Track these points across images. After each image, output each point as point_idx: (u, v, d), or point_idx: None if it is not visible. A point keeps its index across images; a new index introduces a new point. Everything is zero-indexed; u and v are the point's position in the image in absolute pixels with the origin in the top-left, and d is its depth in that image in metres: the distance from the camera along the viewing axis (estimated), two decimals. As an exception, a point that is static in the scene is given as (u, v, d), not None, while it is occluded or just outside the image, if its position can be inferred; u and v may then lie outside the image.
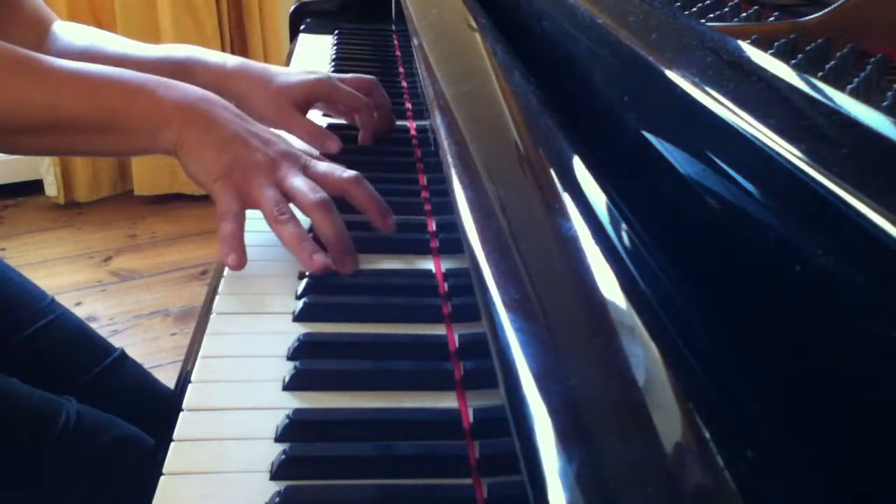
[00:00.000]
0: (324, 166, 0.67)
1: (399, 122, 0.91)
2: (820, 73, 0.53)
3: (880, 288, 0.26)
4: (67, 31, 0.85)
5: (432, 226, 0.69)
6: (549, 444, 0.26)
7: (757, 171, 0.34)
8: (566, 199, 0.42)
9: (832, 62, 0.55)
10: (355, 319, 0.58)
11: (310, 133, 0.80)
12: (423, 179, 0.79)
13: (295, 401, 0.51)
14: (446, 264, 0.64)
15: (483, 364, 0.50)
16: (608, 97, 0.53)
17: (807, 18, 0.63)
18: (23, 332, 0.82)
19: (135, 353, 0.93)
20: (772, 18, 0.68)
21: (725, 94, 0.38)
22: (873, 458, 0.27)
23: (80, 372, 0.83)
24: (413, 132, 0.90)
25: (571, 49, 0.62)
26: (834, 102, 0.36)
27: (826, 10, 0.62)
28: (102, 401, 0.73)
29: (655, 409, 0.28)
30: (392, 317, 0.58)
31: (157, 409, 0.73)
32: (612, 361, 0.30)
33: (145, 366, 0.93)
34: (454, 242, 0.62)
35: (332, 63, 1.15)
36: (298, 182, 0.64)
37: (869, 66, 0.55)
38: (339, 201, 0.64)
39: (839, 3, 0.61)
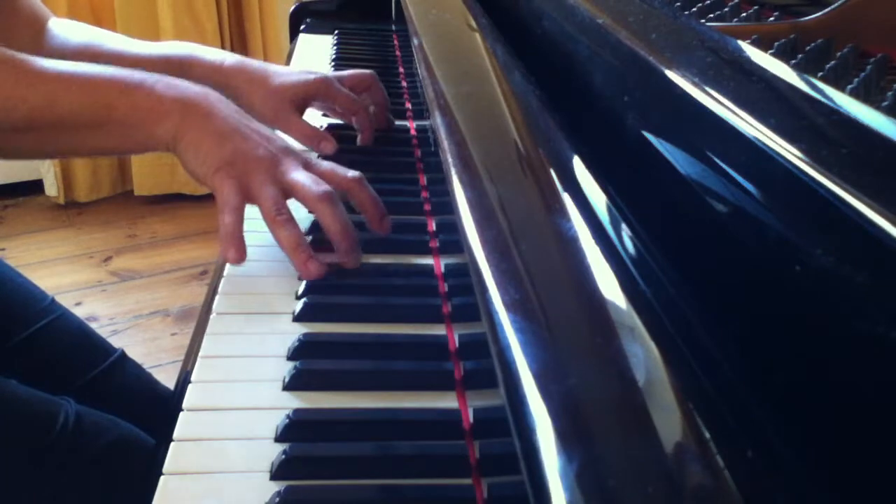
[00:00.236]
0: (326, 164, 0.67)
1: (399, 122, 0.91)
2: (820, 73, 0.53)
3: (880, 288, 0.26)
4: (64, 29, 0.85)
5: (432, 226, 0.69)
6: (549, 444, 0.26)
7: (757, 171, 0.34)
8: (566, 199, 0.42)
9: (832, 62, 0.55)
10: (355, 319, 0.58)
11: (305, 134, 0.81)
12: (423, 179, 0.79)
13: (295, 401, 0.51)
14: (446, 264, 0.64)
15: (483, 364, 0.50)
16: (608, 97, 0.53)
17: (807, 18, 0.63)
18: (23, 332, 0.82)
19: (135, 353, 0.93)
20: (772, 18, 0.68)
21: (725, 94, 0.38)
22: (873, 457, 0.27)
23: (80, 373, 0.82)
24: (413, 132, 0.90)
25: (571, 49, 0.62)
26: (834, 102, 0.36)
27: (826, 10, 0.62)
28: (102, 402, 0.73)
29: (655, 409, 0.28)
30: (392, 317, 0.58)
31: (156, 410, 0.73)
32: (612, 361, 0.30)
33: (145, 366, 0.93)
34: (454, 242, 0.62)
35: (332, 63, 1.15)
36: (301, 176, 0.63)
37: (869, 66, 0.55)
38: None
39: (839, 3, 0.61)
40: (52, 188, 2.32)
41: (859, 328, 0.27)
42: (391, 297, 0.61)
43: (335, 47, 1.22)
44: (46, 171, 2.30)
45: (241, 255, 0.61)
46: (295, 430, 0.48)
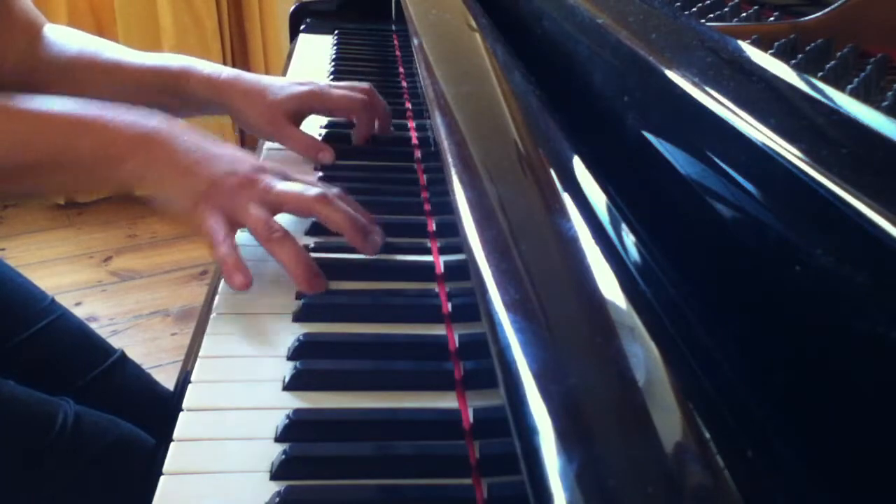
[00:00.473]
0: (304, 178, 0.65)
1: (399, 122, 0.91)
2: (820, 73, 0.53)
3: (880, 288, 0.26)
4: (60, 36, 0.84)
5: (432, 226, 0.69)
6: (549, 444, 0.26)
7: (757, 171, 0.34)
8: (566, 199, 0.42)
9: (832, 62, 0.55)
10: (355, 319, 0.58)
11: (304, 145, 0.80)
12: (423, 179, 0.79)
13: (295, 401, 0.51)
14: (446, 264, 0.64)
15: (483, 364, 0.50)
16: (608, 97, 0.53)
17: (807, 18, 0.63)
18: (23, 333, 0.82)
19: (135, 353, 0.93)
20: (772, 18, 0.68)
21: (725, 94, 0.38)
22: (873, 457, 0.27)
23: (79, 373, 0.82)
24: (413, 132, 0.90)
25: (571, 49, 0.62)
26: (834, 102, 0.36)
27: (826, 10, 0.62)
28: (102, 402, 0.73)
29: (655, 409, 0.28)
30: (392, 317, 0.58)
31: (156, 410, 0.73)
32: (612, 361, 0.30)
33: (145, 366, 0.93)
34: (454, 242, 0.62)
35: (332, 63, 1.15)
36: (287, 186, 0.62)
37: (869, 66, 0.55)
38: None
39: (839, 3, 0.61)
40: (52, 188, 2.31)
41: (859, 328, 0.27)
42: (391, 297, 0.61)
43: (335, 47, 1.22)
44: (46, 171, 2.30)
45: (247, 280, 0.59)
46: (295, 430, 0.48)
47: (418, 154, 0.84)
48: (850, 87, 0.52)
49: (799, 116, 0.37)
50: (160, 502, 0.43)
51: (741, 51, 0.45)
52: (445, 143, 0.51)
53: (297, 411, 0.49)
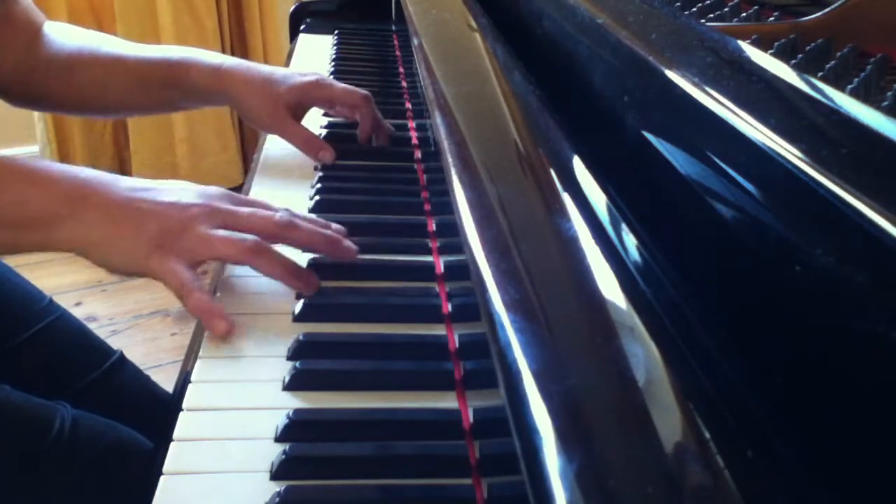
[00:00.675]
0: (258, 202, 0.61)
1: (399, 122, 0.91)
2: (820, 73, 0.53)
3: (880, 288, 0.26)
4: (59, 33, 0.84)
5: (432, 226, 0.69)
6: (549, 444, 0.26)
7: (757, 171, 0.34)
8: (566, 199, 0.42)
9: (832, 62, 0.55)
10: (355, 319, 0.58)
11: (305, 141, 0.79)
12: (423, 179, 0.79)
13: (295, 401, 0.51)
14: (446, 264, 0.64)
15: (483, 364, 0.50)
16: (608, 97, 0.53)
17: (807, 18, 0.63)
18: (21, 334, 0.81)
19: (135, 353, 0.93)
20: (772, 18, 0.68)
21: (725, 94, 0.38)
22: (873, 457, 0.27)
23: (78, 375, 0.82)
24: (413, 132, 0.90)
25: (571, 49, 0.62)
26: (834, 102, 0.36)
27: (826, 10, 0.62)
28: (101, 404, 0.73)
29: (655, 409, 0.28)
30: (392, 317, 0.58)
31: (155, 412, 0.73)
32: (612, 361, 0.30)
33: (145, 366, 0.93)
34: (454, 242, 0.62)
35: (332, 63, 1.15)
36: (248, 213, 0.59)
37: (869, 66, 0.55)
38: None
39: (839, 3, 0.61)
40: (52, 188, 2.31)
41: (859, 328, 0.27)
42: (391, 297, 0.61)
43: (335, 47, 1.22)
44: (46, 171, 2.30)
45: (230, 326, 0.56)
46: (295, 430, 0.48)
47: (418, 154, 0.84)
48: (850, 87, 0.52)
49: (799, 116, 0.37)
50: (160, 502, 0.43)
51: (741, 51, 0.45)
52: (445, 143, 0.51)
53: (297, 411, 0.49)
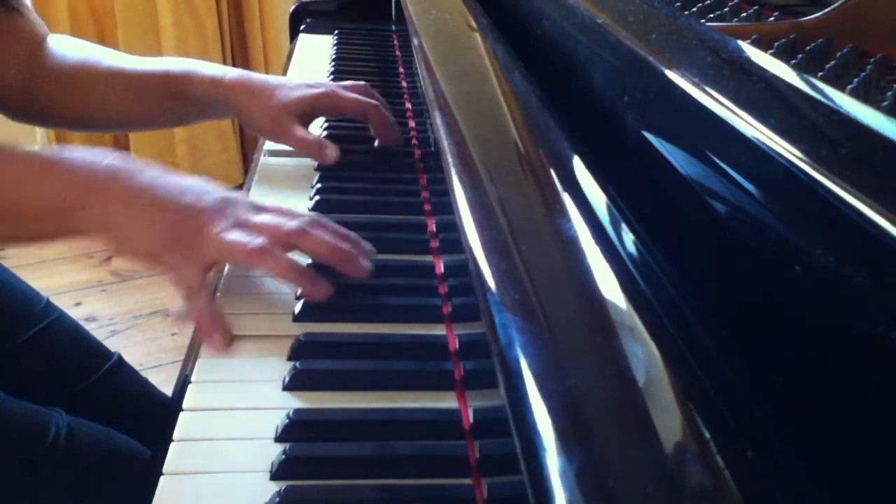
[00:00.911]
0: (267, 217, 0.59)
1: (399, 122, 0.91)
2: (820, 73, 0.53)
3: (880, 288, 0.26)
4: (62, 45, 0.84)
5: (432, 226, 0.69)
6: (549, 444, 0.26)
7: (757, 171, 0.34)
8: (566, 199, 0.42)
9: (832, 62, 0.55)
10: (355, 319, 0.58)
11: (306, 144, 0.78)
12: (423, 179, 0.79)
13: (295, 401, 0.51)
14: (446, 264, 0.64)
15: (483, 364, 0.50)
16: (608, 97, 0.53)
17: (807, 18, 0.63)
18: (18, 336, 0.81)
19: (135, 353, 0.93)
20: (772, 18, 0.68)
21: (725, 94, 0.38)
22: (873, 457, 0.27)
23: (76, 378, 0.82)
24: (413, 132, 0.90)
25: (571, 49, 0.62)
26: (834, 102, 0.36)
27: (826, 10, 0.62)
28: (99, 407, 0.72)
29: (655, 409, 0.28)
30: (392, 317, 0.58)
31: (153, 414, 0.72)
32: (612, 361, 0.30)
33: (145, 366, 0.93)
34: (454, 242, 0.62)
35: (332, 63, 1.15)
36: (262, 218, 0.58)
37: (869, 66, 0.55)
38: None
39: (839, 3, 0.61)
40: (52, 188, 2.31)
41: (859, 328, 0.27)
42: (391, 297, 0.61)
43: (335, 47, 1.22)
44: (46, 171, 2.30)
45: (228, 338, 0.55)
46: (295, 430, 0.48)
47: (418, 154, 0.84)
48: (850, 87, 0.52)
49: (799, 116, 0.37)
50: (160, 503, 0.43)
51: (741, 51, 0.45)
52: (445, 143, 0.51)
53: (297, 411, 0.49)
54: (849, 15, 0.61)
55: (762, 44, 0.58)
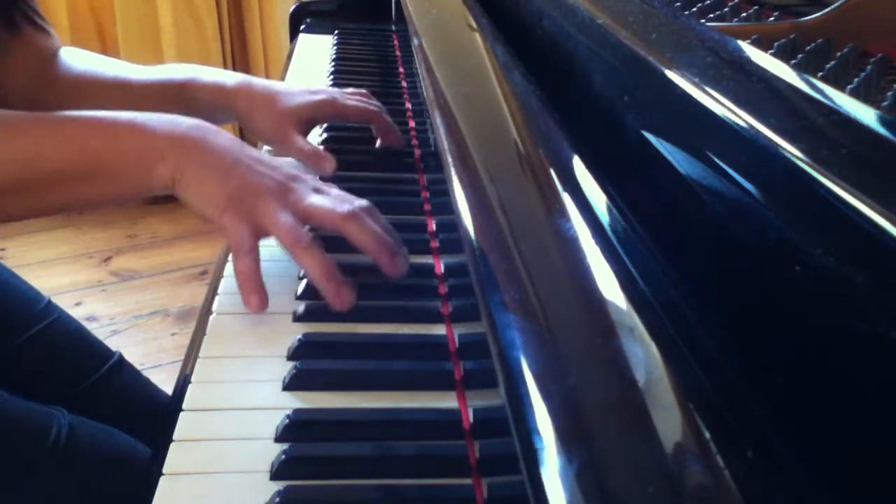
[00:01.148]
0: (335, 192, 0.63)
1: (399, 122, 0.91)
2: (820, 73, 0.53)
3: (880, 288, 0.26)
4: (71, 57, 0.85)
5: (432, 226, 0.69)
6: (549, 444, 0.26)
7: (757, 171, 0.34)
8: (566, 199, 0.42)
9: (832, 62, 0.55)
10: (355, 319, 0.58)
11: (305, 153, 0.78)
12: (423, 179, 0.79)
13: (295, 401, 0.51)
14: (446, 264, 0.64)
15: (483, 364, 0.50)
16: (608, 97, 0.53)
17: (807, 18, 0.63)
18: (19, 336, 0.81)
19: (135, 353, 0.93)
20: (772, 18, 0.68)
21: (725, 94, 0.38)
22: (873, 458, 0.27)
23: (77, 378, 0.82)
24: (413, 132, 0.90)
25: (571, 49, 0.62)
26: (834, 102, 0.36)
27: (826, 10, 0.62)
28: (99, 406, 0.73)
29: (655, 409, 0.28)
30: (392, 317, 0.58)
31: (154, 414, 0.73)
32: (612, 361, 0.30)
33: (145, 366, 0.94)
34: (454, 242, 0.62)
35: (332, 63, 1.15)
36: (317, 200, 0.60)
37: (869, 66, 0.55)
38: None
39: (839, 3, 0.61)
40: (52, 188, 2.31)
41: (859, 328, 0.27)
42: (391, 297, 0.61)
43: (335, 47, 1.22)
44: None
45: (263, 302, 0.58)
46: (295, 430, 0.48)
47: (418, 154, 0.84)
48: (850, 87, 0.52)
49: (799, 116, 0.37)
50: (160, 502, 0.43)
51: (741, 51, 0.45)
52: (445, 143, 0.51)
53: (297, 411, 0.49)
54: (849, 15, 0.61)
55: (762, 44, 0.58)
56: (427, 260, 0.65)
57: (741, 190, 0.35)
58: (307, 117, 0.80)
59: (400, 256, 0.60)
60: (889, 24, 0.62)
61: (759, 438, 0.29)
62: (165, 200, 2.37)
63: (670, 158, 0.42)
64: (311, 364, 0.53)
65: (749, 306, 0.35)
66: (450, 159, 0.49)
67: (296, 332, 0.56)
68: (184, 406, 0.50)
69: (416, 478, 0.46)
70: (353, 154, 0.82)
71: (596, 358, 0.31)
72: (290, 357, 0.54)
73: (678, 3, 0.72)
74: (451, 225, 0.45)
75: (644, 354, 0.30)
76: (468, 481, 0.45)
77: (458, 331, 0.56)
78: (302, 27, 1.36)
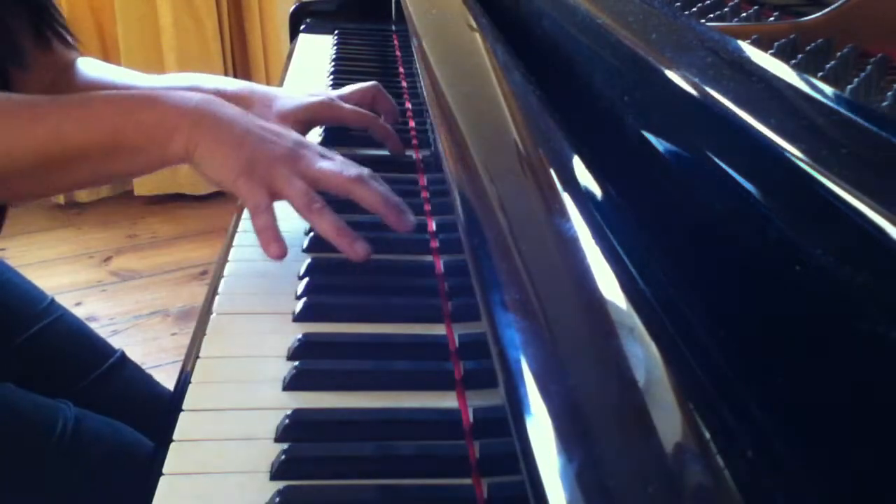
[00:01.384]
0: (340, 158, 0.67)
1: (399, 122, 0.91)
2: (820, 74, 0.53)
3: (880, 288, 0.26)
4: (85, 66, 0.87)
5: (432, 226, 0.69)
6: (549, 444, 0.26)
7: (757, 170, 0.34)
8: (566, 199, 0.42)
9: (832, 62, 0.55)
10: (355, 319, 0.58)
11: None
12: (423, 179, 0.79)
13: (295, 401, 0.51)
14: (446, 263, 0.64)
15: (483, 364, 0.50)
16: (608, 97, 0.53)
17: (807, 18, 0.63)
18: (22, 334, 0.82)
19: (135, 353, 0.93)
20: (772, 18, 0.68)
21: (725, 94, 0.38)
22: (873, 458, 0.27)
23: (80, 375, 0.83)
24: (413, 132, 0.90)
25: (571, 49, 0.62)
26: (834, 102, 0.36)
27: (826, 10, 0.62)
28: (102, 404, 0.73)
29: (655, 409, 0.28)
30: (392, 317, 0.58)
31: (156, 411, 0.73)
32: (612, 361, 0.30)
33: (145, 366, 0.94)
34: (454, 242, 0.62)
35: (332, 63, 1.15)
36: (326, 164, 0.64)
37: (869, 66, 0.55)
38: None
39: (839, 3, 0.61)
40: (52, 188, 2.31)
41: (859, 328, 0.27)
42: (391, 297, 0.61)
43: (335, 47, 1.22)
44: (46, 171, 2.30)
45: (282, 250, 0.62)
46: (295, 430, 0.48)
47: (418, 154, 0.84)
48: (850, 87, 0.52)
49: (799, 116, 0.37)
50: (160, 502, 0.43)
51: (741, 51, 0.45)
52: (445, 143, 0.51)
53: (297, 411, 0.49)
54: (849, 15, 0.61)
55: (762, 44, 0.58)
56: (427, 260, 0.65)
57: (741, 190, 0.35)
58: (304, 118, 0.81)
59: (407, 213, 0.63)
60: (889, 24, 0.62)
61: (759, 438, 0.29)
62: (165, 200, 2.37)
63: (670, 158, 0.42)
64: (311, 364, 0.53)
65: (749, 306, 0.35)
66: (450, 159, 0.49)
67: (296, 332, 0.56)
68: (184, 406, 0.50)
69: (416, 478, 0.46)
70: (352, 154, 0.82)
71: (596, 358, 0.31)
72: (290, 357, 0.54)
73: (678, 3, 0.72)
74: (451, 225, 0.45)
75: (644, 354, 0.30)
76: (468, 481, 0.45)
77: (458, 331, 0.56)
78: (302, 27, 1.36)
